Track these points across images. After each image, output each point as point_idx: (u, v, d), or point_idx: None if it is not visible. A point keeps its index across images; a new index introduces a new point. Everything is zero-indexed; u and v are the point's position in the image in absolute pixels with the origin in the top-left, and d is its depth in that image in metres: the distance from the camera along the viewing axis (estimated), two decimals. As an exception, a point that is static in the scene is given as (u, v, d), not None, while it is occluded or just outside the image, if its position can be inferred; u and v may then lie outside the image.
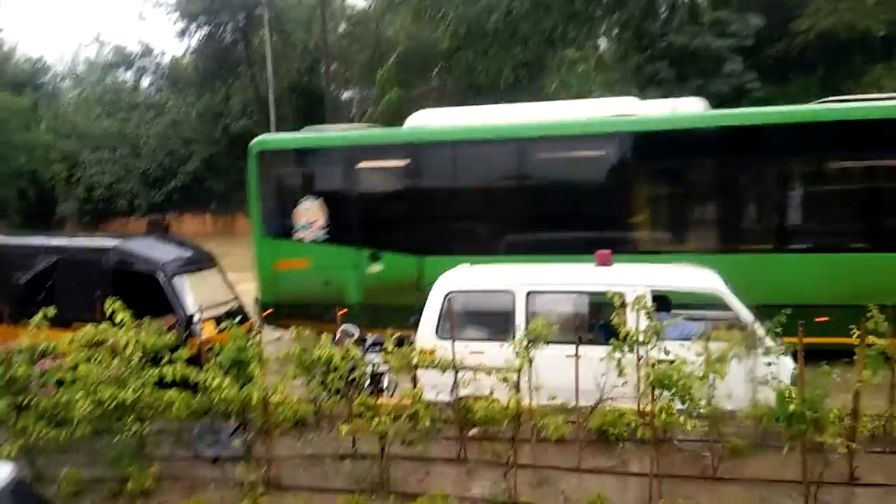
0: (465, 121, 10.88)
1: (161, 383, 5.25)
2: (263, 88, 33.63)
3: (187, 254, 8.96)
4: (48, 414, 5.14)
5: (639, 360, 5.12)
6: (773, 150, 9.46)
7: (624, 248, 8.91)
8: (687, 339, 5.77)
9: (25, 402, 5.08)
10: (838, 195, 9.55)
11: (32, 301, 7.83)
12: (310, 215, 10.83)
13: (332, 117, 27.38)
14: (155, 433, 5.70)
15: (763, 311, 6.09)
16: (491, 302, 7.22)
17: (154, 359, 5.31)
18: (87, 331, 5.37)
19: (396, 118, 24.12)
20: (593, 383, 5.41)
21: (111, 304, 5.27)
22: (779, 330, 5.69)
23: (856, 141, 9.01)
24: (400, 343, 5.70)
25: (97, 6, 74.00)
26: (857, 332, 5.07)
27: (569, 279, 7.25)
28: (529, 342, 5.27)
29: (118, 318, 5.24)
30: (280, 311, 9.18)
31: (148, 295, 8.00)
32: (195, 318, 8.02)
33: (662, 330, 5.18)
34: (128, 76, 41.66)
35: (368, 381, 6.26)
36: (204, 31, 35.22)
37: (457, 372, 5.49)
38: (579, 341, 5.65)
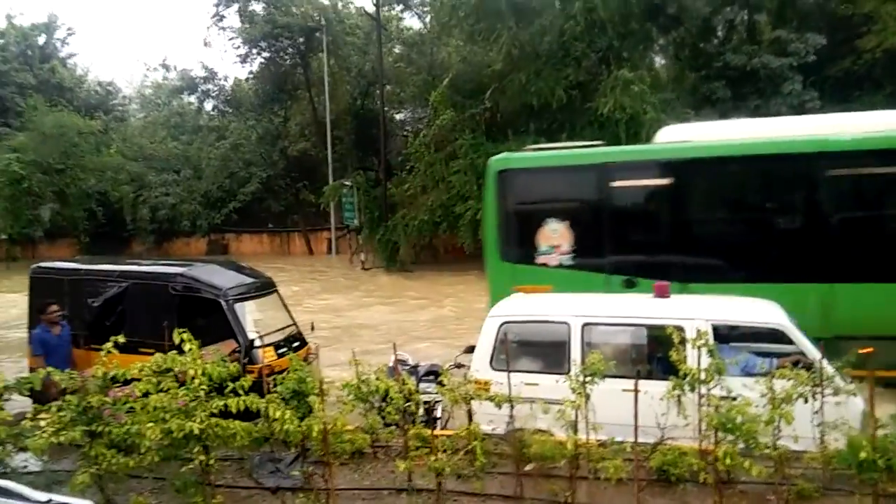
0: (738, 135, 9.72)
1: (224, 411, 5.38)
2: (321, 111, 34.56)
3: (248, 280, 9.20)
4: (118, 441, 5.32)
5: (700, 398, 5.01)
6: None
7: None
8: (750, 373, 5.60)
9: (98, 429, 5.27)
10: None
11: (104, 326, 8.21)
12: (555, 238, 9.94)
13: (386, 139, 27.78)
14: (217, 460, 5.84)
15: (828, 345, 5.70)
16: (546, 333, 7.07)
17: (218, 387, 5.47)
18: (156, 358, 5.56)
19: (448, 141, 24.50)
20: (651, 419, 5.26)
21: (179, 335, 5.44)
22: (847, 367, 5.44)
23: None
24: None
25: (164, 32, 77.56)
26: None
27: (625, 311, 7.13)
28: (586, 377, 5.23)
29: (186, 348, 5.42)
30: None
31: (210, 319, 8.29)
32: (255, 344, 8.23)
33: (724, 368, 5.06)
34: (192, 100, 43.25)
35: (422, 411, 6.29)
36: (264, 56, 36.46)
37: (512, 406, 5.46)
38: (637, 375, 5.55)
